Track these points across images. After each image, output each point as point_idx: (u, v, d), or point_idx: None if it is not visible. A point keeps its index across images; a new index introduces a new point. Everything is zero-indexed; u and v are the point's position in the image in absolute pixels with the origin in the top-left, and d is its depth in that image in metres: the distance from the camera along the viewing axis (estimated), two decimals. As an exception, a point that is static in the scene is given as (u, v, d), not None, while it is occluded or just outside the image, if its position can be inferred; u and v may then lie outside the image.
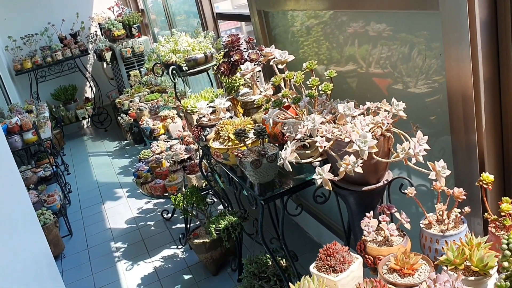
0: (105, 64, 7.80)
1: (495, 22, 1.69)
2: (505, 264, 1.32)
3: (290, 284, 1.51)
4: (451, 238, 1.57)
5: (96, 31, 7.88)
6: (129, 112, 6.03)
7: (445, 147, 2.08)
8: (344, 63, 2.84)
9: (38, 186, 5.25)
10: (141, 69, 6.89)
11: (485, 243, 1.47)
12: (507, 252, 1.32)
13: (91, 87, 8.20)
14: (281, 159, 1.84)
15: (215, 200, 4.36)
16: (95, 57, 7.89)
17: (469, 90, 1.73)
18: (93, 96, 8.25)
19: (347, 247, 1.64)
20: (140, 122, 4.98)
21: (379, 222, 1.68)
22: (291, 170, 1.82)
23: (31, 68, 7.27)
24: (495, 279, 1.39)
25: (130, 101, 6.13)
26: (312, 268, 1.63)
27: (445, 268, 1.44)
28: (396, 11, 2.21)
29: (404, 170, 2.53)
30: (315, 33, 3.02)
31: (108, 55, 7.01)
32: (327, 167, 1.68)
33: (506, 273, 1.31)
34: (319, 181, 1.68)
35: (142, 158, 4.60)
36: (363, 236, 1.70)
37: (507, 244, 1.33)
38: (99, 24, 7.62)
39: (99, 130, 8.26)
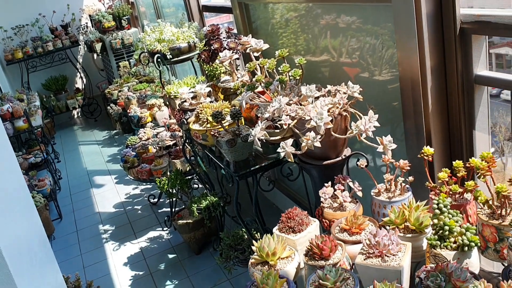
0: (95, 55, 7.95)
1: (440, 15, 1.90)
2: (435, 221, 1.54)
3: (254, 241, 1.73)
4: (397, 204, 1.79)
5: (86, 23, 8.02)
6: (118, 101, 6.20)
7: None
8: (319, 54, 3.05)
9: (29, 172, 5.41)
10: (130, 60, 7.05)
11: (424, 206, 1.69)
12: (437, 211, 1.55)
13: (82, 78, 8.34)
14: (252, 136, 2.05)
15: (200, 186, 4.57)
16: (85, 48, 8.03)
17: (416, 77, 1.95)
18: (83, 86, 8.40)
19: (306, 212, 1.85)
20: (128, 111, 5.16)
21: (335, 190, 1.90)
22: (259, 146, 2.03)
23: (22, 58, 7.40)
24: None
25: (119, 91, 6.30)
26: (275, 229, 1.85)
27: (387, 227, 1.66)
28: (363, 4, 2.42)
29: (370, 153, 2.74)
30: (292, 25, 3.22)
31: (98, 46, 7.16)
32: (289, 141, 1.90)
33: (436, 229, 1.53)
34: (282, 154, 1.89)
35: (129, 144, 4.78)
36: (321, 203, 1.92)
37: (437, 204, 1.56)
38: (89, 15, 7.75)
39: (89, 120, 8.42)
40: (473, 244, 1.44)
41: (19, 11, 7.62)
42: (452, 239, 1.49)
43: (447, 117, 2.03)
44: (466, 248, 1.45)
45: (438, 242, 1.49)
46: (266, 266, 1.66)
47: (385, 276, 1.42)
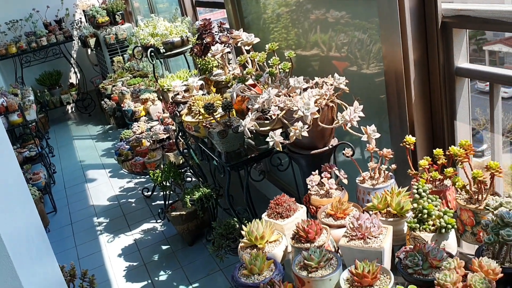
0: (89, 50, 7.97)
1: (423, 9, 1.98)
2: (415, 205, 1.62)
3: (243, 226, 1.80)
4: (380, 190, 1.87)
5: (80, 18, 8.04)
6: (112, 96, 6.25)
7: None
8: (309, 48, 3.12)
9: (23, 165, 5.46)
10: (124, 55, 7.09)
11: (405, 192, 1.77)
12: (417, 196, 1.63)
13: (76, 73, 8.37)
14: (242, 127, 2.12)
15: (193, 178, 4.63)
16: (79, 44, 8.06)
17: (400, 70, 2.03)
18: (77, 81, 8.42)
19: (293, 199, 1.93)
20: (122, 105, 5.21)
21: (322, 178, 1.97)
22: (248, 136, 2.10)
23: (15, 53, 7.42)
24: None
25: (113, 86, 6.35)
26: (264, 215, 1.92)
27: (371, 212, 1.74)
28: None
29: (358, 144, 2.82)
30: (284, 20, 3.29)
31: (92, 42, 7.20)
32: (278, 131, 1.97)
33: (415, 212, 1.61)
34: (271, 143, 1.96)
35: (123, 138, 4.84)
36: (308, 190, 2.00)
37: (417, 189, 1.64)
38: (83, 11, 7.78)
39: (83, 115, 8.45)
40: (450, 226, 1.52)
41: (13, 6, 7.63)
42: (431, 222, 1.56)
43: (429, 108, 2.11)
44: (443, 230, 1.53)
45: (418, 225, 1.57)
46: (255, 250, 1.73)
47: (367, 257, 1.50)
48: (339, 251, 1.64)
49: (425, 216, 1.56)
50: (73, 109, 8.75)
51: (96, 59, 8.24)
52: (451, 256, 1.45)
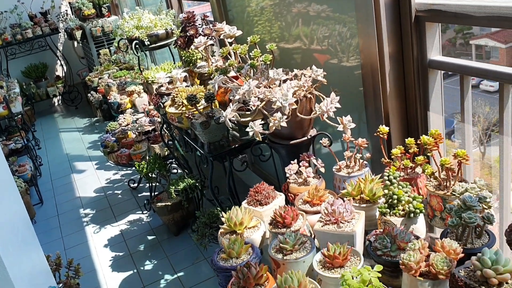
0: (75, 42, 7.95)
1: (397, 4, 2.05)
2: (386, 191, 1.69)
3: (223, 213, 1.86)
4: (355, 178, 1.94)
5: (66, 10, 8.01)
6: (98, 88, 6.26)
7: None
8: (292, 41, 3.18)
9: (9, 158, 5.46)
10: (111, 47, 7.09)
11: (378, 179, 1.84)
12: (387, 182, 1.70)
13: (62, 66, 8.34)
14: (223, 117, 2.18)
15: (179, 170, 4.68)
16: (65, 36, 8.03)
17: (375, 63, 2.10)
18: (63, 74, 8.40)
19: (272, 186, 1.99)
20: (108, 98, 5.23)
21: (300, 167, 2.04)
22: (230, 126, 2.16)
23: (0, 45, 7.38)
24: (381, 205, 1.76)
25: (100, 78, 6.35)
26: (243, 203, 1.99)
27: (345, 198, 1.82)
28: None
29: (338, 136, 2.89)
30: (267, 13, 3.34)
31: (78, 34, 7.18)
32: (257, 122, 2.03)
33: (386, 198, 1.69)
34: (251, 133, 2.02)
35: (109, 130, 4.87)
36: (287, 179, 2.06)
37: (388, 176, 1.71)
38: (69, 3, 7.75)
39: (69, 108, 8.44)
40: (418, 211, 1.60)
41: (-3, -3, 7.58)
42: (401, 207, 1.64)
43: (404, 99, 2.18)
44: (412, 215, 1.61)
45: (388, 210, 1.65)
46: (234, 235, 1.79)
47: (339, 240, 1.57)
48: (314, 235, 1.71)
49: (395, 201, 1.64)
50: (60, 102, 8.73)
51: (82, 51, 8.22)
52: (418, 239, 1.53)
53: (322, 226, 1.66)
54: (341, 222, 1.64)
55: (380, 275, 1.30)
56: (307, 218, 1.81)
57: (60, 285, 2.05)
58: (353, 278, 1.29)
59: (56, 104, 8.76)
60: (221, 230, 1.86)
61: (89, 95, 6.80)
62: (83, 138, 6.87)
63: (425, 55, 2.04)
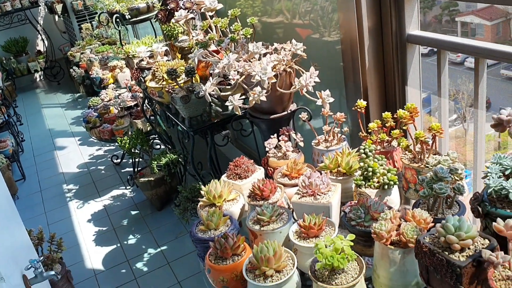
0: (56, 16, 7.79)
1: (377, -22, 2.05)
2: (361, 164, 1.72)
3: (202, 186, 1.88)
4: (333, 152, 1.97)
5: (46, -17, 7.83)
6: (80, 63, 6.17)
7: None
8: (274, 15, 3.16)
9: (-10, 133, 5.41)
10: (93, 22, 6.97)
11: (355, 153, 1.87)
12: (363, 155, 1.73)
13: (43, 40, 8.19)
14: (202, 91, 2.18)
15: (162, 146, 4.68)
16: (46, 10, 7.86)
17: (354, 37, 2.11)
18: (45, 49, 8.25)
19: (252, 160, 2.01)
20: (90, 73, 5.17)
21: (279, 141, 2.06)
22: (210, 100, 2.16)
23: (-21, 18, 7.22)
24: (358, 178, 1.80)
25: (82, 53, 6.26)
26: (223, 177, 2.01)
27: (322, 171, 1.84)
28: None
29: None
30: (250, -13, 3.31)
31: (59, 8, 7.04)
32: (237, 96, 2.04)
33: (362, 170, 1.72)
34: (230, 107, 2.03)
35: (91, 105, 4.83)
36: (267, 153, 2.09)
37: (363, 149, 1.74)
38: (49, -25, 7.57)
39: (52, 83, 8.32)
40: (392, 183, 1.64)
41: (-25, -31, 7.37)
42: (375, 179, 1.67)
43: (383, 74, 2.20)
44: (386, 187, 1.64)
45: (363, 182, 1.68)
46: (213, 208, 1.82)
47: (316, 211, 1.60)
48: (292, 207, 1.74)
49: (370, 174, 1.67)
50: (41, 77, 8.59)
51: (64, 26, 8.07)
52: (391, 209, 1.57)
53: (299, 198, 1.69)
54: (317, 194, 1.67)
55: (352, 243, 1.33)
56: (286, 191, 1.84)
57: (42, 258, 2.06)
58: (326, 247, 1.33)
59: (38, 79, 8.63)
60: (200, 203, 1.88)
61: (71, 70, 6.71)
62: (65, 114, 6.81)
63: (404, 29, 2.06)
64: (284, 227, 1.58)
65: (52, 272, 2.02)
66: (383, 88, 2.23)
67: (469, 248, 0.93)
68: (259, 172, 2.00)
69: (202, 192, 1.88)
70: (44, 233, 3.09)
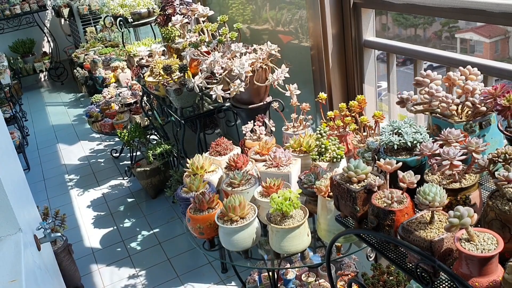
0: (62, 20, 8.21)
1: (340, -9, 2.45)
2: (317, 142, 2.11)
3: (187, 159, 2.27)
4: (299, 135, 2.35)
5: (54, -12, 8.26)
6: (84, 64, 6.57)
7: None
8: (262, 23, 3.57)
9: (-2, 126, 5.77)
10: (97, 26, 7.39)
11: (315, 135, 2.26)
12: (319, 135, 2.12)
13: (49, 42, 8.60)
14: (191, 83, 2.57)
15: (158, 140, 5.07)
16: (53, 13, 8.29)
17: (320, 43, 2.51)
18: (50, 50, 8.67)
19: (231, 141, 2.40)
20: (93, 72, 5.57)
21: (254, 126, 2.45)
22: (198, 91, 2.56)
23: (-11, 20, 7.63)
24: (315, 155, 2.18)
25: (86, 55, 6.67)
26: (206, 154, 2.39)
27: (287, 149, 2.23)
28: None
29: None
30: (240, -3, 3.72)
31: (65, 11, 7.46)
32: (220, 86, 2.43)
33: (317, 148, 2.11)
34: (214, 96, 2.43)
35: (94, 102, 5.22)
36: (244, 136, 2.48)
37: (319, 131, 2.13)
38: (57, -19, 8.00)
39: (56, 83, 8.72)
40: (339, 157, 2.02)
41: (-13, -27, 7.80)
42: (327, 155, 2.06)
43: (345, 73, 2.60)
44: (335, 160, 2.03)
45: (317, 157, 2.07)
46: (196, 175, 2.20)
47: (278, 178, 1.98)
48: (260, 176, 2.13)
49: (323, 150, 2.06)
50: (46, 77, 8.99)
51: (69, 29, 8.49)
52: (337, 177, 1.95)
53: (266, 169, 2.07)
54: (281, 166, 2.06)
55: (298, 195, 1.72)
56: (257, 165, 2.22)
57: (50, 221, 2.43)
58: (278, 197, 1.71)
59: (43, 79, 9.03)
60: (185, 173, 2.26)
61: (75, 71, 7.11)
62: (68, 112, 7.20)
63: (361, 36, 2.46)
64: (251, 188, 1.96)
65: (58, 234, 2.39)
66: (345, 85, 2.63)
67: (364, 181, 1.31)
68: (236, 151, 2.39)
69: (188, 165, 2.26)
70: (49, 209, 3.46)
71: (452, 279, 0.98)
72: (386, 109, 2.82)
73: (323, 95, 2.34)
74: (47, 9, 8.26)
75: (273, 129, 2.46)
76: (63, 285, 2.74)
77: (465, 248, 0.97)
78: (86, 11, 7.30)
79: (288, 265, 2.39)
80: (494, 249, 0.96)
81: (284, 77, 2.39)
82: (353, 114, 2.18)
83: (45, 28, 8.53)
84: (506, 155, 1.02)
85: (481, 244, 0.98)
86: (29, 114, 7.33)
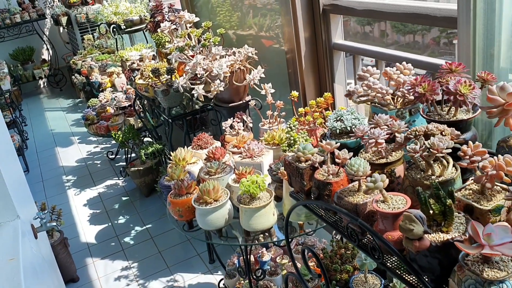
0: (61, 28, 8.47)
1: (310, 0, 2.68)
2: (287, 135, 2.33)
3: (171, 152, 2.49)
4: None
5: (53, -3, 8.53)
6: (82, 70, 6.81)
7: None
8: (247, 29, 3.80)
9: (-1, 130, 5.99)
10: (94, 33, 7.63)
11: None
12: (289, 129, 2.34)
13: (48, 50, 8.86)
14: (176, 84, 2.80)
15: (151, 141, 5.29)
16: (52, 22, 8.54)
17: (293, 46, 2.73)
18: (49, 58, 8.91)
19: (212, 136, 2.62)
20: (90, 78, 5.81)
21: (233, 122, 2.67)
22: (182, 91, 2.78)
23: (-10, 28, 7.88)
24: (286, 147, 2.40)
25: (83, 61, 6.91)
26: (188, 148, 2.61)
27: (261, 143, 2.45)
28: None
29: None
30: (227, 5, 3.96)
31: (64, 20, 7.71)
32: (201, 86, 2.65)
33: (287, 140, 2.33)
34: (195, 94, 2.65)
35: (90, 105, 5.45)
36: (224, 132, 2.70)
37: (289, 125, 2.35)
38: (56, -10, 8.27)
39: (54, 89, 8.96)
40: (306, 147, 2.24)
41: (-12, -17, 8.07)
42: (296, 146, 2.28)
43: (317, 74, 2.82)
44: (302, 150, 2.25)
45: (287, 148, 2.29)
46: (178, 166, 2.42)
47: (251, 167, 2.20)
48: (235, 166, 2.35)
49: (292, 141, 2.28)
50: (45, 84, 9.24)
51: (67, 37, 8.74)
52: (304, 165, 2.16)
53: (241, 159, 2.29)
54: (254, 156, 2.28)
55: (265, 180, 1.94)
56: (234, 156, 2.44)
57: (46, 212, 2.64)
58: (247, 181, 1.93)
59: (42, 86, 9.27)
60: (169, 165, 2.48)
61: (73, 77, 7.34)
62: (66, 117, 7.43)
63: (331, 39, 2.68)
64: (226, 176, 2.18)
65: (54, 223, 2.59)
66: (318, 84, 2.85)
67: (311, 160, 1.53)
68: (216, 145, 2.60)
69: (171, 157, 2.48)
70: (46, 205, 3.67)
71: (371, 234, 1.20)
72: (353, 104, 3.04)
73: (295, 93, 2.56)
74: (46, 18, 8.52)
75: (251, 125, 2.68)
76: (59, 275, 2.95)
77: (379, 207, 1.19)
78: (83, 19, 7.55)
79: (256, 242, 2.60)
80: (403, 207, 1.18)
81: (260, 77, 2.61)
82: (320, 110, 2.41)
83: (44, 36, 8.79)
84: (416, 132, 1.24)
85: (393, 205, 1.20)
86: (28, 119, 7.56)
